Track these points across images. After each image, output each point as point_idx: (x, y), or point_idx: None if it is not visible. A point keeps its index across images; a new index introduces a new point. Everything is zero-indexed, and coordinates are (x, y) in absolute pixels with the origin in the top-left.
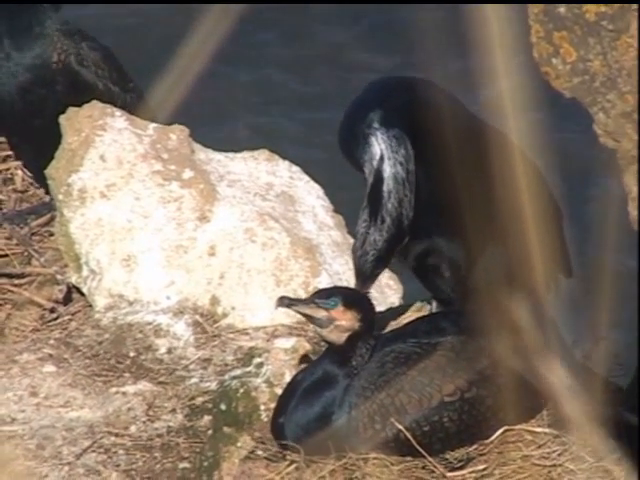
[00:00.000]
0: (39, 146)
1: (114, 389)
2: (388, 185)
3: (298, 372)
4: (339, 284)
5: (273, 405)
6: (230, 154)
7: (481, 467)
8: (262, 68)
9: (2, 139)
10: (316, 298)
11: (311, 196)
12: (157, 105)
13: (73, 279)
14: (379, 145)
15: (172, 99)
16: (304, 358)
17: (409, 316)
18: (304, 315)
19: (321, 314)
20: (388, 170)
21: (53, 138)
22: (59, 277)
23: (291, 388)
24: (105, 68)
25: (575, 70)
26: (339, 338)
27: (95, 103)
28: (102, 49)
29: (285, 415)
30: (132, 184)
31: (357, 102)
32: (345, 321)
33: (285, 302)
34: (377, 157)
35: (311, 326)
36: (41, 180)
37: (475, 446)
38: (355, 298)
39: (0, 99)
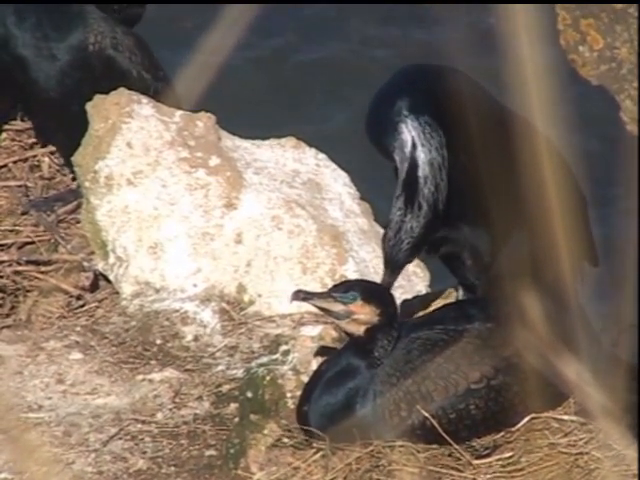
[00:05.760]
0: (74, 132)
1: (141, 376)
2: (424, 170)
3: (323, 361)
4: (366, 271)
5: (299, 393)
6: (257, 141)
7: (507, 455)
8: (286, 55)
9: (28, 125)
10: (333, 292)
11: (337, 183)
12: (183, 93)
13: (100, 266)
14: (410, 132)
15: (197, 88)
16: (330, 346)
17: (436, 303)
18: (320, 308)
19: (338, 308)
20: (423, 156)
21: (87, 125)
22: (86, 264)
23: (316, 378)
24: (138, 54)
25: (602, 57)
26: (357, 330)
27: (122, 90)
28: (135, 35)
29: (309, 405)
30: (159, 171)
31: (384, 89)
32: (363, 315)
33: (300, 296)
34: (409, 144)
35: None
36: (70, 167)
37: (501, 434)
38: (375, 292)
39: (37, 83)
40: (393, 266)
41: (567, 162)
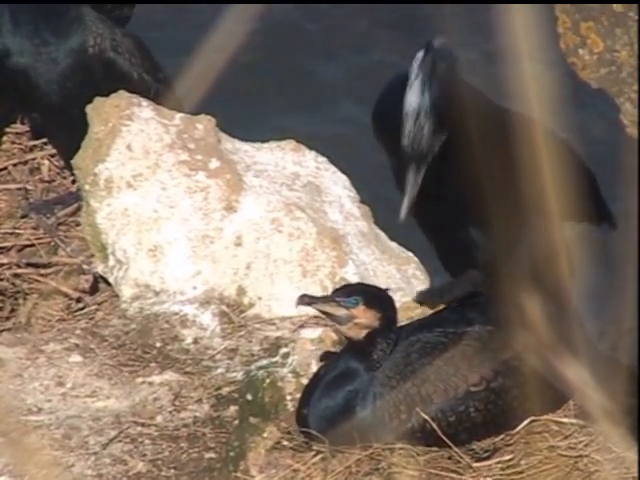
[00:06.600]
0: (74, 135)
1: (140, 379)
2: (439, 52)
3: (322, 365)
4: (365, 274)
5: (299, 395)
6: (257, 144)
7: (507, 457)
8: (289, 58)
9: (28, 128)
10: (336, 296)
11: (337, 186)
12: (184, 96)
13: (99, 269)
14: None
15: (198, 91)
16: (330, 349)
17: (435, 306)
18: (324, 313)
19: (341, 312)
20: (434, 48)
21: (87, 127)
22: (85, 267)
23: (315, 380)
24: (138, 56)
25: (602, 61)
26: (358, 334)
27: (122, 93)
28: (134, 36)
29: (309, 407)
30: (159, 174)
31: (387, 87)
32: (365, 319)
33: (306, 300)
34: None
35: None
36: (70, 170)
37: (501, 436)
38: (376, 297)
39: (38, 88)
40: (417, 159)
41: (571, 147)
